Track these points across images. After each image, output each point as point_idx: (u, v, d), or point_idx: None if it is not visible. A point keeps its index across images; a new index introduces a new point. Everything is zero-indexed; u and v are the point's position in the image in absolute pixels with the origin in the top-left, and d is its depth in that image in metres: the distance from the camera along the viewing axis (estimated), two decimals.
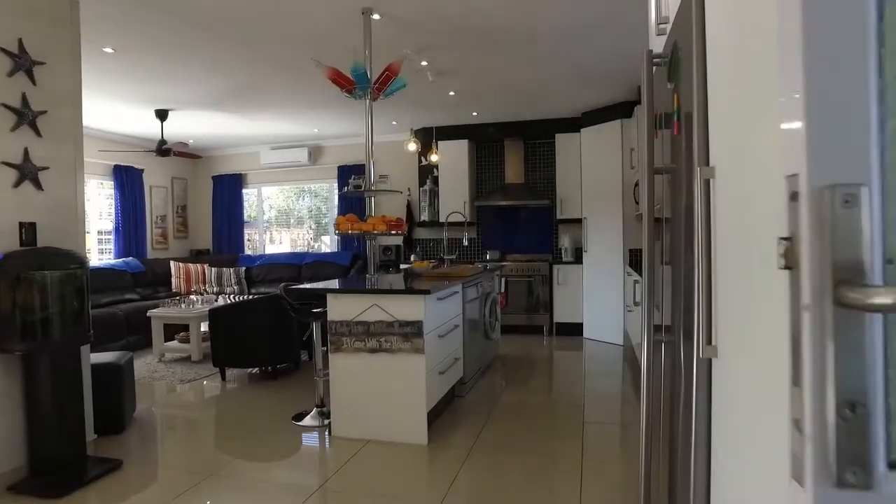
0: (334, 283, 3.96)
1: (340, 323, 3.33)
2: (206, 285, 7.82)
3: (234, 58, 4.59)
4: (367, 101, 3.96)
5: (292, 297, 3.94)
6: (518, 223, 7.43)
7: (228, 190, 8.65)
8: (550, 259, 7.18)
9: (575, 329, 6.66)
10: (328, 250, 8.44)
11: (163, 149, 6.23)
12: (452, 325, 3.85)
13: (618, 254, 6.07)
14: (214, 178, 8.71)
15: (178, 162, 8.54)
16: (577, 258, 7.01)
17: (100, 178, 7.32)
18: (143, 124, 6.75)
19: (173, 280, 7.62)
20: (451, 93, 5.68)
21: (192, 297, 6.36)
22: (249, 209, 8.78)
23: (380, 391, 3.29)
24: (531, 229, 7.37)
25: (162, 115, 6.17)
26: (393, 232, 3.73)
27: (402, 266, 7.40)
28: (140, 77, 5.05)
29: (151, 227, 8.09)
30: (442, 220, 7.32)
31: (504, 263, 6.89)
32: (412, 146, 6.14)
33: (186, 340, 5.53)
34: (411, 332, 3.22)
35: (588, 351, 5.87)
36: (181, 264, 7.70)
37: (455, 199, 7.25)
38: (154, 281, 7.56)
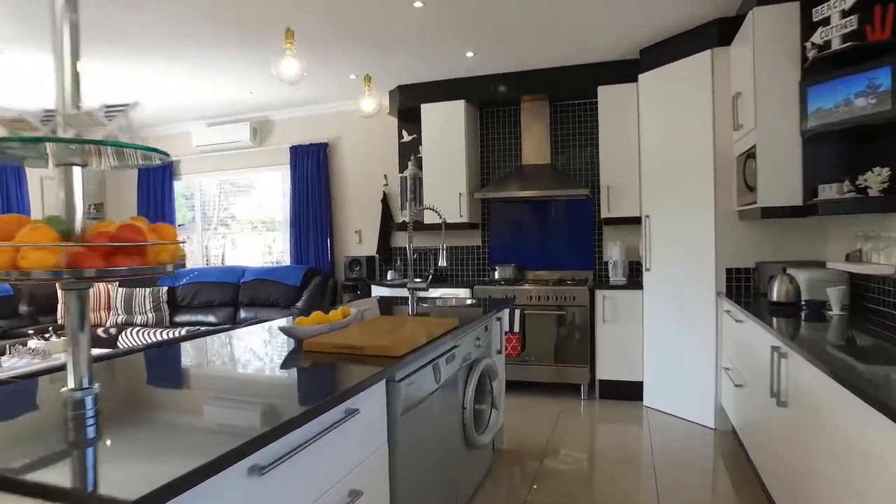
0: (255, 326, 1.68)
1: None
2: (110, 312, 5.69)
3: None
4: None
5: None
6: (542, 225, 5.04)
7: (154, 183, 6.51)
8: (591, 279, 4.77)
9: (629, 391, 4.24)
10: (282, 260, 6.21)
11: None
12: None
13: (705, 274, 3.63)
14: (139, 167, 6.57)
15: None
16: (633, 279, 4.57)
17: None
18: None
19: (60, 306, 5.51)
20: (418, 3, 3.33)
21: (42, 339, 4.19)
22: (184, 208, 6.62)
23: None
24: (562, 234, 4.97)
25: None
26: (125, 268, 1.32)
27: (375, 288, 5.11)
28: None
29: None
30: (429, 219, 4.99)
31: (521, 287, 4.50)
32: (368, 104, 3.82)
33: None
34: None
35: (654, 432, 3.47)
36: None
37: (445, 190, 4.91)
38: (30, 308, 5.45)
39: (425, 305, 3.21)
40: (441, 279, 5.21)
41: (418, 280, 5.14)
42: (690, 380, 3.75)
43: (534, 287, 4.45)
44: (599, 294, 4.27)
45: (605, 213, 4.49)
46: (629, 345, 4.20)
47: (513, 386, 4.63)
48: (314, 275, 5.59)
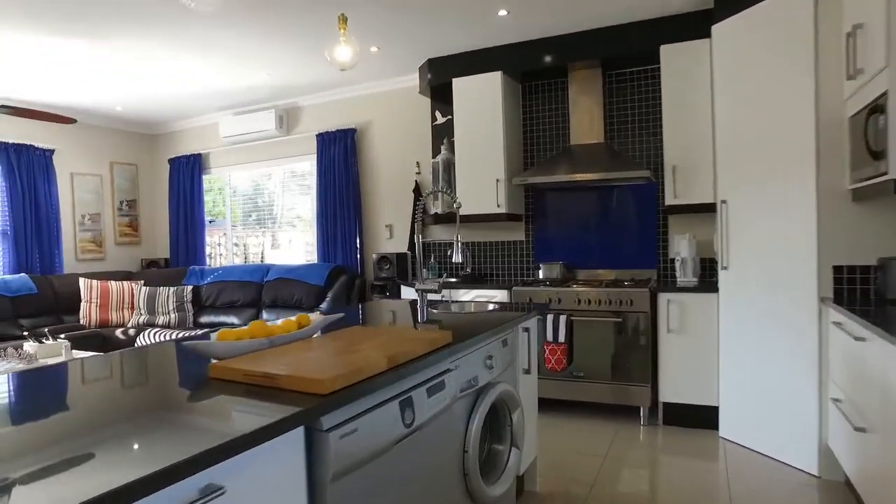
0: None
1: None
2: (133, 311, 5.43)
3: None
4: None
5: None
6: (595, 215, 4.29)
7: (185, 177, 6.24)
8: (654, 280, 3.98)
9: (700, 418, 3.44)
10: (309, 258, 5.76)
11: None
12: None
13: (803, 274, 2.80)
14: (171, 161, 6.34)
15: (122, 139, 6.26)
16: (706, 280, 3.77)
17: None
18: None
19: (83, 305, 5.29)
20: None
21: (32, 342, 3.89)
22: (215, 203, 6.31)
23: None
24: (618, 226, 4.21)
25: None
26: None
27: (405, 289, 4.55)
28: None
29: (75, 231, 5.84)
30: (464, 211, 4.36)
31: (568, 288, 3.79)
32: (343, 53, 3.06)
33: None
34: None
35: (733, 473, 2.68)
36: (95, 283, 5.35)
37: (480, 176, 4.26)
38: (56, 307, 5.27)
39: (435, 311, 2.59)
40: (477, 279, 4.57)
41: (445, 279, 4.52)
42: (784, 410, 2.91)
43: (584, 289, 3.73)
44: (663, 297, 3.49)
45: (670, 200, 3.70)
46: (701, 361, 3.40)
47: (556, 406, 3.93)
48: (340, 274, 5.09)
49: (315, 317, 1.87)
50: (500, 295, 4.00)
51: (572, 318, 3.68)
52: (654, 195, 4.06)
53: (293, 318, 1.79)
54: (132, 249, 6.40)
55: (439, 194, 4.58)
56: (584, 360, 3.70)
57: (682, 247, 3.72)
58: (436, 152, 4.71)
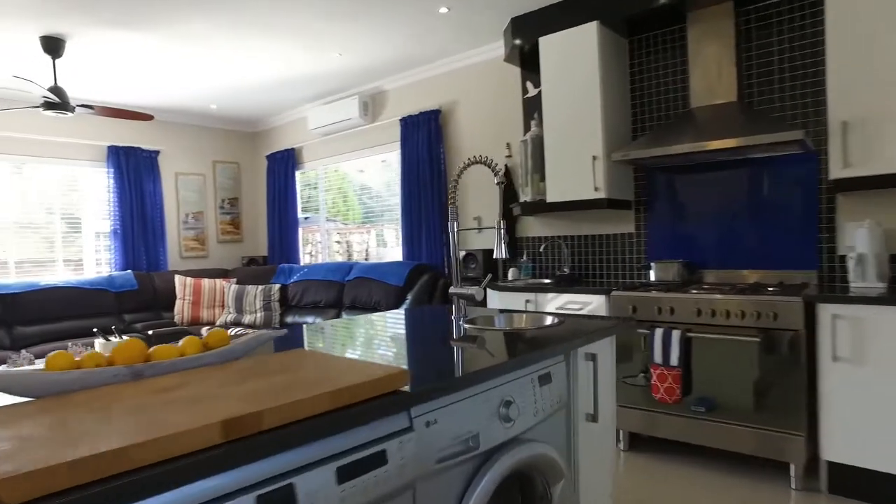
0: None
1: None
2: (224, 309, 5.38)
3: None
4: None
5: None
6: (726, 198, 3.27)
7: (279, 173, 6.14)
8: (812, 285, 2.89)
9: (887, 489, 2.34)
10: (392, 256, 5.30)
11: (57, 103, 3.81)
12: None
13: None
14: (268, 157, 6.29)
15: (223, 138, 6.32)
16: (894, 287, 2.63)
17: (89, 163, 5.38)
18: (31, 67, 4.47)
19: (177, 302, 5.33)
20: None
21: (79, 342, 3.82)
22: (310, 199, 6.12)
23: None
24: (761, 211, 3.15)
25: (52, 46, 3.77)
26: None
27: (491, 293, 3.91)
28: None
29: (179, 229, 5.97)
30: (553, 198, 3.59)
31: (684, 294, 2.86)
32: None
33: None
34: None
35: None
36: (189, 280, 5.37)
37: (572, 154, 3.46)
38: (155, 303, 5.37)
39: (471, 327, 1.89)
40: (573, 281, 3.75)
41: (528, 281, 3.76)
42: None
43: (705, 295, 2.77)
44: (826, 310, 2.45)
45: (837, 172, 2.62)
46: (887, 405, 2.31)
47: (662, 448, 3.01)
48: (422, 273, 4.55)
49: (247, 334, 1.30)
50: (596, 302, 3.17)
51: (689, 334, 2.75)
52: (814, 167, 2.96)
53: (202, 337, 1.24)
54: (234, 247, 6.46)
55: (528, 178, 3.85)
56: (706, 391, 2.75)
57: (858, 238, 2.62)
58: (526, 128, 3.99)
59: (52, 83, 3.80)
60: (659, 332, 2.80)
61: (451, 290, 2.00)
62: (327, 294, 5.01)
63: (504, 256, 1.89)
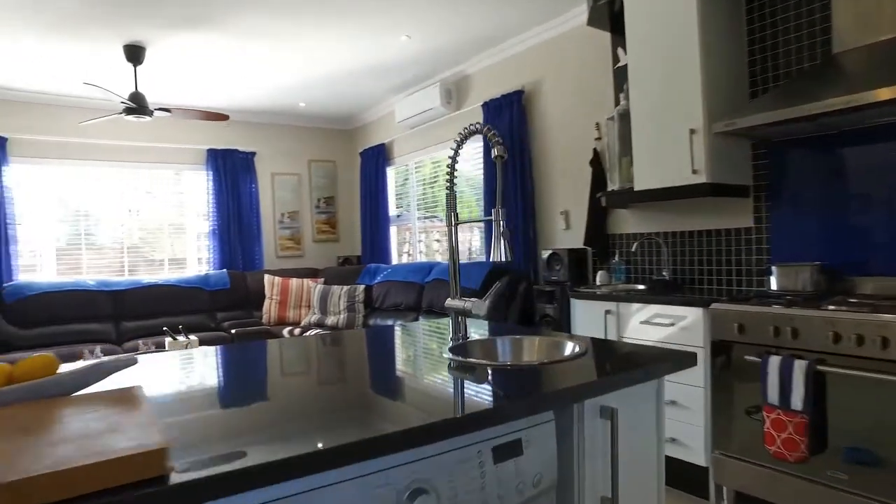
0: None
1: None
2: (309, 309, 5.31)
3: None
4: None
5: None
6: (889, 176, 2.37)
7: (370, 169, 5.97)
8: None
9: None
10: (476, 255, 4.84)
11: (136, 108, 3.89)
12: None
13: None
14: (362, 154, 6.16)
15: (318, 137, 6.32)
16: None
17: (189, 167, 5.61)
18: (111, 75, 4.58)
19: (266, 301, 5.36)
20: None
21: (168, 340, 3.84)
22: (404, 196, 5.88)
23: None
24: None
25: (134, 54, 3.85)
26: None
27: (577, 302, 3.36)
28: None
29: (275, 229, 6.05)
30: (641, 185, 2.92)
31: (816, 311, 2.08)
32: None
33: None
34: None
35: None
36: (277, 279, 5.38)
37: (663, 128, 2.76)
38: (247, 302, 5.46)
39: (456, 360, 1.40)
40: (673, 288, 3.04)
41: (617, 286, 3.09)
42: None
43: (851, 314, 1.98)
44: None
45: None
46: None
47: None
48: (500, 275, 4.05)
49: (86, 362, 0.96)
50: (692, 316, 2.46)
51: (821, 367, 1.98)
52: None
53: (25, 361, 0.93)
54: (330, 246, 6.43)
55: (617, 161, 3.20)
56: (845, 442, 1.96)
57: None
58: (616, 102, 3.33)
59: (132, 90, 3.96)
60: (774, 362, 2.06)
61: (448, 303, 1.53)
62: (407, 296, 4.70)
63: (504, 259, 1.37)
